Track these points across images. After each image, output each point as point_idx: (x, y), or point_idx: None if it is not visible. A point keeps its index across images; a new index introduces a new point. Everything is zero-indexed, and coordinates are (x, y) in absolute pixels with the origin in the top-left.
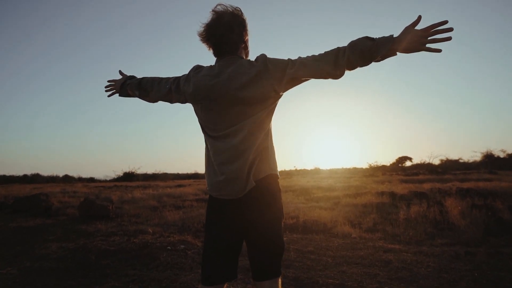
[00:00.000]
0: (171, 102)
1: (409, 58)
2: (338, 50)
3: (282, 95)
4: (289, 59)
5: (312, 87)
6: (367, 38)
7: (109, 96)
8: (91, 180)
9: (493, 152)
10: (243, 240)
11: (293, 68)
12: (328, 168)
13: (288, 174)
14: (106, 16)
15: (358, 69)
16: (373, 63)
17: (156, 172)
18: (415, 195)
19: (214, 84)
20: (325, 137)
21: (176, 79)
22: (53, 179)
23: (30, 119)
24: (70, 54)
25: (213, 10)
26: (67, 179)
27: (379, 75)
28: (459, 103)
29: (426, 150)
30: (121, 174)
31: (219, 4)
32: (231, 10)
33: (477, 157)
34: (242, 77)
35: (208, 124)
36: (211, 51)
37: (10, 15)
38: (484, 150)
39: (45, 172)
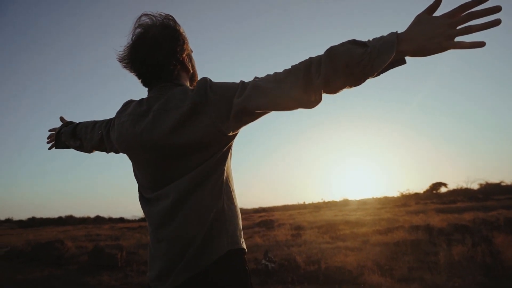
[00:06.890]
0: (107, 151)
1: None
2: (310, 63)
3: (235, 135)
4: (241, 81)
5: (338, 115)
6: (354, 42)
7: (49, 149)
8: (120, 220)
9: None
10: None
11: (241, 96)
12: (358, 198)
13: (316, 207)
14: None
15: (351, 89)
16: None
17: None
18: (455, 228)
19: (136, 129)
20: (353, 167)
21: (109, 122)
22: (84, 221)
23: (69, 161)
24: (97, 88)
25: (136, 23)
26: (97, 220)
27: (410, 100)
28: (494, 120)
29: (462, 174)
30: None
31: (145, 14)
32: (160, 20)
33: None
34: (171, 116)
35: (143, 182)
36: (140, 80)
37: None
38: None
39: (78, 213)
